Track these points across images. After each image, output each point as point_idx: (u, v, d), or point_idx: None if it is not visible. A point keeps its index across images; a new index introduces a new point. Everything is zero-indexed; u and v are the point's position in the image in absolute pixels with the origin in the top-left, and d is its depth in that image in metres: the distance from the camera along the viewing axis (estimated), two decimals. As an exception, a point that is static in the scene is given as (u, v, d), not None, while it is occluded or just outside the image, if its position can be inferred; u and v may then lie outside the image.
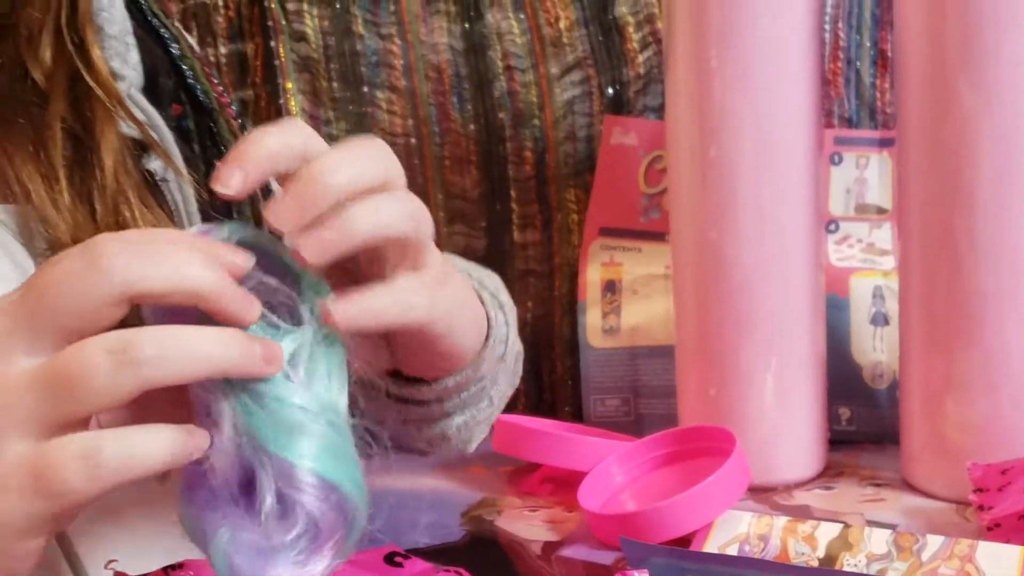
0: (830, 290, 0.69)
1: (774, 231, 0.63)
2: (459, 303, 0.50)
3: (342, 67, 0.79)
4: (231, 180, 0.39)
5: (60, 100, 0.48)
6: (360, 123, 0.80)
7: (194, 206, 0.51)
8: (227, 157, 0.39)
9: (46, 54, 0.48)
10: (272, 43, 0.79)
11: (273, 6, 0.78)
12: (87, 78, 0.49)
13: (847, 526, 0.53)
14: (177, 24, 0.60)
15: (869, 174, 0.74)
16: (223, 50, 0.78)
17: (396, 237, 0.42)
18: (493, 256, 0.82)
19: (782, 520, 0.54)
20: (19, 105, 0.48)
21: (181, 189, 0.51)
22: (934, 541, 0.50)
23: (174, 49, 0.57)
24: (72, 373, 0.33)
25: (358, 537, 0.38)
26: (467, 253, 0.81)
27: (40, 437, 0.33)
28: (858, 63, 0.76)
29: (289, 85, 0.79)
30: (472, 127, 0.79)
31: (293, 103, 0.80)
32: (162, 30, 0.57)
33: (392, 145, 0.80)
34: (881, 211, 0.74)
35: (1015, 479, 0.53)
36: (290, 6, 0.78)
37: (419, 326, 0.44)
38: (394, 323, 0.43)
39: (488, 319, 0.53)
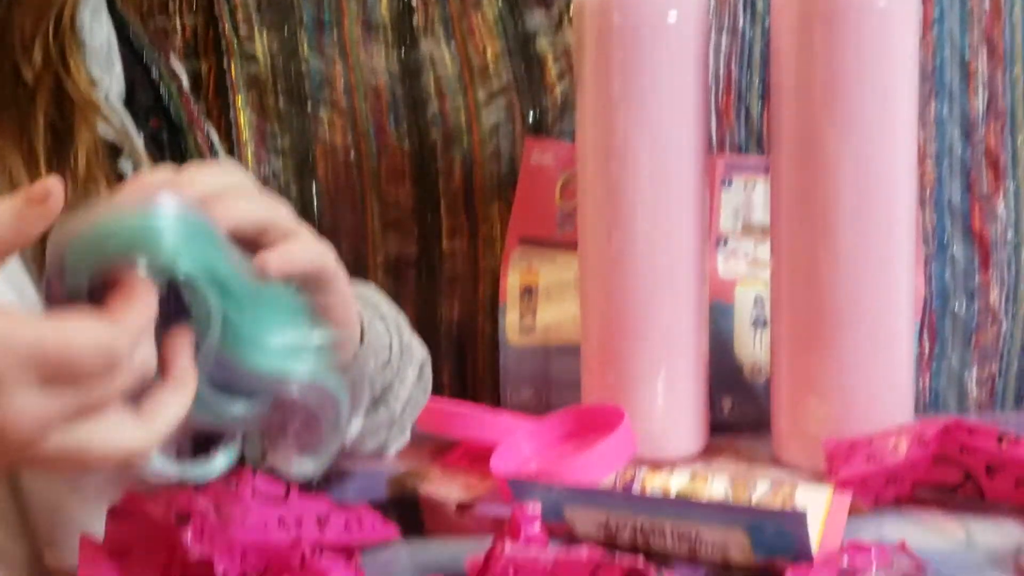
0: (717, 298, 0.79)
1: (666, 242, 0.72)
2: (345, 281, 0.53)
3: (288, 85, 0.87)
4: None
5: (45, 98, 0.55)
6: (303, 137, 0.88)
7: None
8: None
9: (36, 58, 0.55)
10: (224, 62, 0.87)
11: (226, 29, 0.86)
12: (66, 82, 0.56)
13: (695, 476, 0.62)
14: (157, 49, 0.65)
15: (756, 196, 0.84)
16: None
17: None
18: (424, 263, 0.90)
19: (643, 470, 0.63)
20: (10, 101, 0.55)
21: None
22: (762, 485, 0.60)
23: (154, 71, 0.63)
24: None
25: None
26: (400, 260, 0.90)
27: None
28: (747, 96, 0.86)
29: (239, 101, 0.87)
30: (407, 144, 0.88)
31: (242, 117, 0.88)
32: (144, 51, 0.63)
33: (332, 158, 0.89)
34: (766, 230, 0.84)
35: (859, 450, 0.63)
36: (242, 29, 0.86)
37: (331, 272, 0.50)
38: (313, 266, 0.48)
39: (361, 323, 0.57)
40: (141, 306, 0.38)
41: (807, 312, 0.69)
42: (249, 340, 0.43)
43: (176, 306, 0.42)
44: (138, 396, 0.40)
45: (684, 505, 0.55)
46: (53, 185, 0.37)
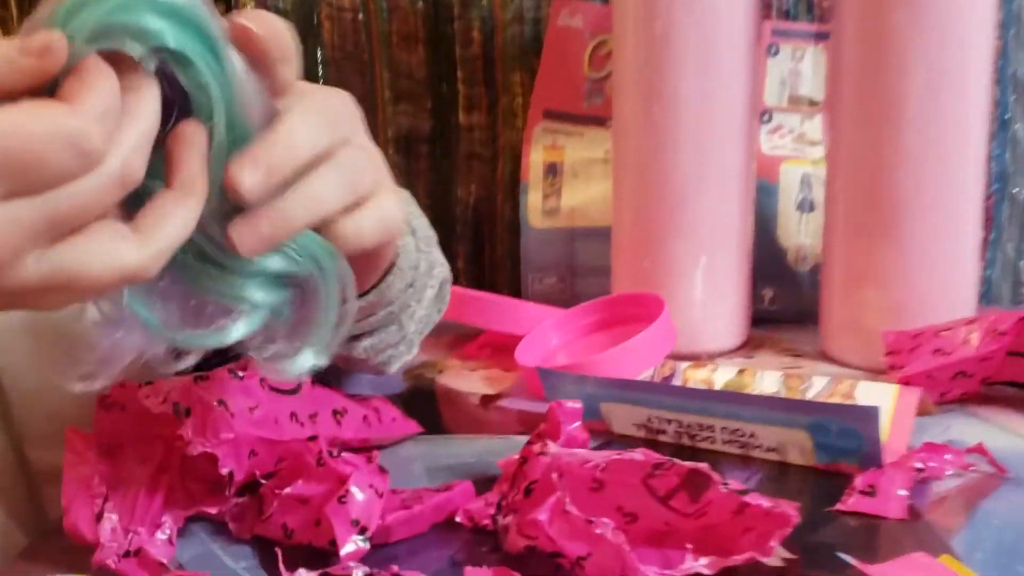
0: (761, 176, 0.72)
1: (713, 115, 0.65)
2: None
3: (291, -61, 0.79)
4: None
5: None
6: (308, -3, 0.80)
7: None
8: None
9: None
10: (220, -88, 0.78)
11: None
12: None
13: (742, 370, 0.56)
14: None
15: (804, 66, 0.77)
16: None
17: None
18: (438, 138, 0.83)
19: (684, 364, 0.58)
20: None
21: None
22: (819, 381, 0.54)
23: None
24: None
25: None
26: (412, 135, 0.83)
27: None
28: (798, -44, 0.78)
29: (237, -44, 0.79)
30: (420, 4, 0.80)
31: (241, -26, 0.79)
32: None
33: (338, 21, 0.81)
34: (813, 103, 0.77)
35: (925, 343, 0.57)
36: None
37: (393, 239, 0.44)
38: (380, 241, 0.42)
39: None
40: (101, 85, 0.32)
41: (867, 195, 0.63)
42: None
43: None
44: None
45: (738, 401, 0.50)
46: (55, 40, 0.32)
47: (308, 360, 0.39)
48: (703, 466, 0.39)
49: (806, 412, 0.48)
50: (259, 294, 0.37)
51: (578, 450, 0.40)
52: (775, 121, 0.76)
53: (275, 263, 0.37)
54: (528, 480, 0.41)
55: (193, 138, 0.34)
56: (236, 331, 0.37)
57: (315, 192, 0.37)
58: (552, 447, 0.41)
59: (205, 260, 0.37)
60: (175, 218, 0.34)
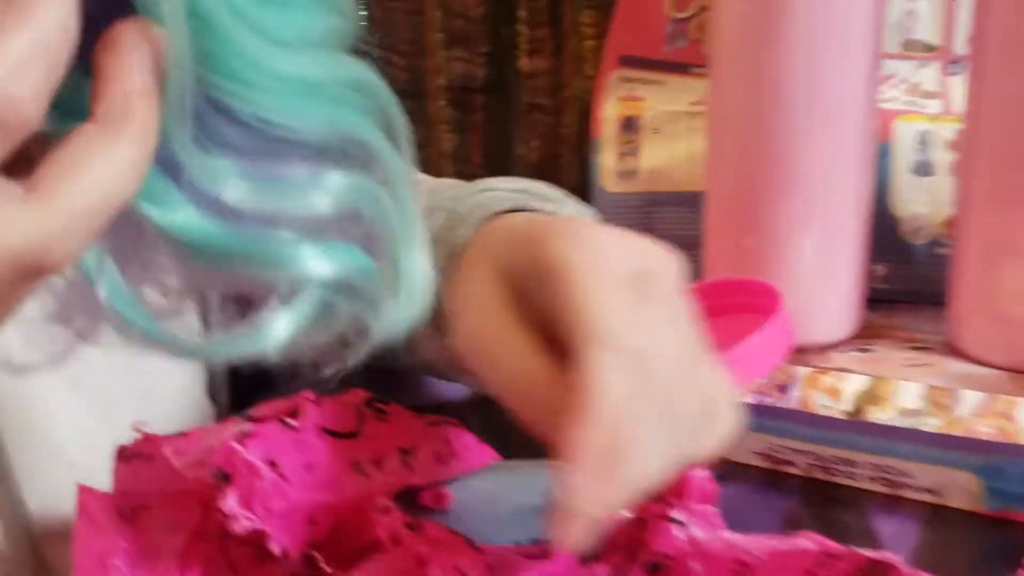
0: (870, 134, 0.63)
1: (830, 61, 0.56)
2: None
3: None
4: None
5: None
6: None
7: None
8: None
9: None
10: None
11: None
12: None
13: (877, 378, 0.48)
14: None
15: (920, 6, 0.67)
16: None
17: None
18: (495, 87, 0.75)
19: (803, 370, 0.49)
20: None
21: None
22: (972, 397, 0.46)
23: None
24: None
25: None
26: (467, 82, 0.74)
27: None
28: None
29: None
30: (477, -65, 0.71)
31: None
32: None
33: (384, -47, 0.73)
34: (929, 48, 0.67)
35: (1089, 347, 0.49)
36: None
37: None
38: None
39: None
40: None
41: (1017, 158, 0.54)
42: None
43: None
44: None
45: (890, 435, 0.41)
46: None
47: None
48: (888, 557, 0.31)
49: (976, 452, 0.40)
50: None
51: (724, 533, 0.32)
52: (886, 70, 0.67)
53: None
54: (651, 553, 0.34)
55: (130, 43, 0.23)
56: (277, 330, 0.28)
57: (639, 475, 0.31)
58: (684, 520, 0.33)
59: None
60: (94, 168, 0.22)
